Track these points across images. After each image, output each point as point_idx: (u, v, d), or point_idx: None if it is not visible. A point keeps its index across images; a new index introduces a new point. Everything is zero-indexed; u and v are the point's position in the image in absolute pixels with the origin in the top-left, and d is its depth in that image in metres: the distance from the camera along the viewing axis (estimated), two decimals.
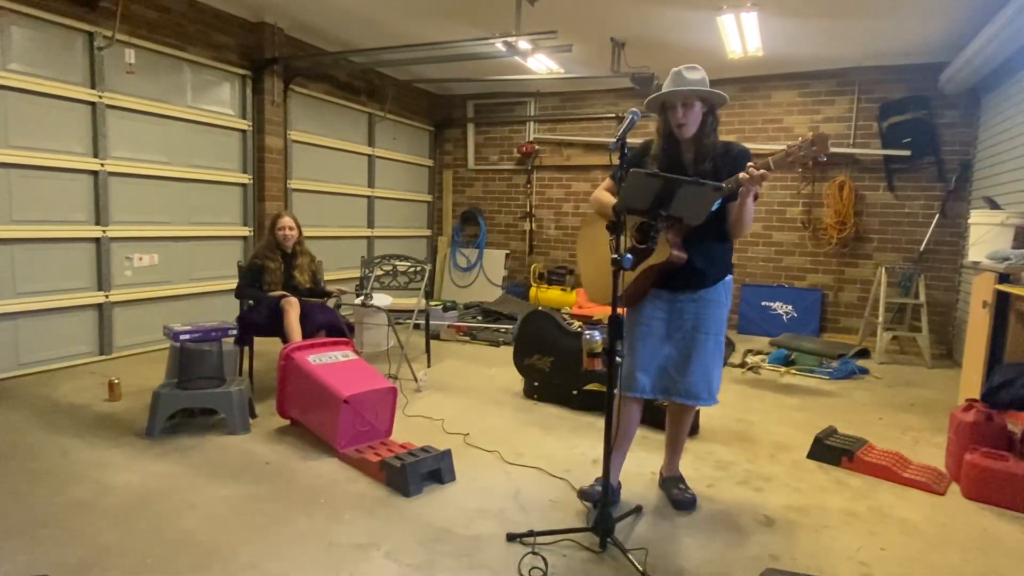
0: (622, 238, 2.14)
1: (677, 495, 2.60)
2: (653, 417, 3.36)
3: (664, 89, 2.38)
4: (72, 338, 4.50)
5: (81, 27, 4.36)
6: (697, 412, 3.47)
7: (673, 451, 2.71)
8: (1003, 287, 3.40)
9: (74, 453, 2.92)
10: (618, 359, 2.22)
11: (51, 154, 4.26)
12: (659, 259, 2.35)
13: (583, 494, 2.61)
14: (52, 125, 4.27)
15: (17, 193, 4.11)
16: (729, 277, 2.53)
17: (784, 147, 2.21)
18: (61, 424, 3.29)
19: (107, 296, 4.67)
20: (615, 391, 2.23)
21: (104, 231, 4.61)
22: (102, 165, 4.55)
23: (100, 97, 4.50)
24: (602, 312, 6.46)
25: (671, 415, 2.68)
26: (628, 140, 2.16)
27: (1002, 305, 3.48)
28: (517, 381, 4.25)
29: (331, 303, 4.19)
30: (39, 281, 4.27)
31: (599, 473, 2.26)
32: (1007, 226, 3.99)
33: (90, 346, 4.63)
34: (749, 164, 2.19)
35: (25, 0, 4.02)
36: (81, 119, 4.44)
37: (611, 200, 2.49)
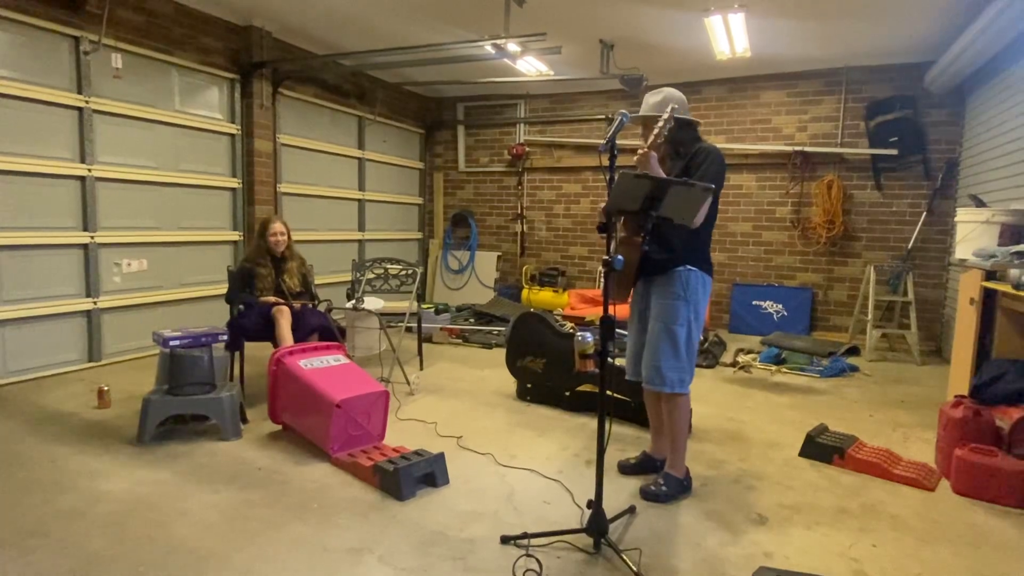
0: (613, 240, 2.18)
1: (645, 485, 2.68)
2: (641, 416, 3.37)
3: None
4: (61, 345, 4.46)
5: (67, 32, 4.33)
6: (690, 412, 3.48)
7: (669, 444, 2.74)
8: (989, 284, 3.44)
9: (63, 461, 2.90)
10: (609, 360, 2.24)
11: (37, 159, 4.23)
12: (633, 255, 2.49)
13: (621, 467, 2.93)
14: (38, 130, 4.24)
15: (3, 199, 4.07)
16: (690, 269, 2.61)
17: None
18: (50, 432, 3.26)
19: (96, 303, 4.63)
20: (607, 392, 2.24)
21: (92, 237, 4.57)
22: (89, 170, 4.52)
23: (87, 102, 4.46)
24: (593, 313, 6.47)
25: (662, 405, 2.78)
26: (618, 141, 2.18)
27: (989, 302, 3.51)
28: (510, 383, 4.25)
29: (322, 306, 4.18)
30: (26, 288, 4.23)
31: (593, 474, 2.26)
32: (993, 223, 4.03)
33: (79, 353, 4.59)
34: (640, 148, 2.42)
35: (10, 5, 3.99)
36: (68, 124, 4.41)
37: None
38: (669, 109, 2.39)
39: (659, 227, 2.47)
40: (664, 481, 2.66)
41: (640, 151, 2.40)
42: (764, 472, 2.98)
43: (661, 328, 2.61)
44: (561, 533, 2.29)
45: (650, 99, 2.67)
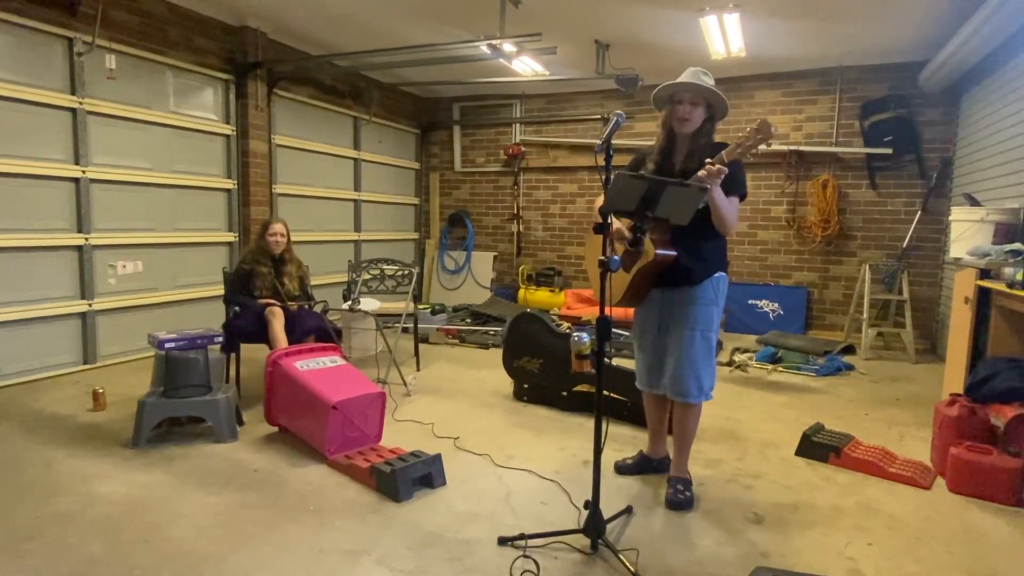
0: (609, 241, 2.18)
1: (671, 495, 2.61)
2: (637, 416, 3.37)
3: (672, 82, 2.47)
4: (55, 347, 4.44)
5: (60, 33, 4.31)
6: None
7: (677, 450, 2.72)
8: (984, 283, 3.45)
9: (58, 464, 2.88)
10: (606, 360, 2.24)
11: (31, 161, 4.21)
12: (646, 260, 2.44)
13: (618, 468, 2.91)
14: (32, 132, 4.21)
15: None
16: (719, 275, 2.59)
17: (734, 141, 2.33)
18: (45, 435, 3.25)
19: (90, 304, 4.61)
20: (604, 392, 2.24)
21: (87, 239, 4.55)
22: (84, 172, 4.50)
23: (81, 103, 4.44)
24: (590, 313, 6.47)
25: (674, 414, 2.73)
26: (613, 141, 2.18)
27: (983, 300, 3.52)
28: (507, 383, 4.25)
29: (318, 308, 4.17)
30: (20, 290, 4.21)
31: (590, 474, 2.26)
32: (987, 222, 4.04)
33: (74, 355, 4.57)
34: (707, 160, 2.28)
35: (2, 6, 3.97)
36: (62, 125, 4.39)
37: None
38: (756, 125, 2.22)
39: (690, 238, 2.43)
40: (683, 487, 2.64)
41: (715, 167, 2.23)
42: (761, 471, 2.99)
43: (698, 336, 2.51)
44: (559, 534, 2.29)
45: (704, 77, 2.44)
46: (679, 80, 2.45)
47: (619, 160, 2.16)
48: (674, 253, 2.47)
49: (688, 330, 2.52)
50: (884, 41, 5.50)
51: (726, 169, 2.27)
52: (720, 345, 5.62)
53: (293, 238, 4.21)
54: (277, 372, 3.22)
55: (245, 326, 3.79)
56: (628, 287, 2.52)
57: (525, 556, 2.15)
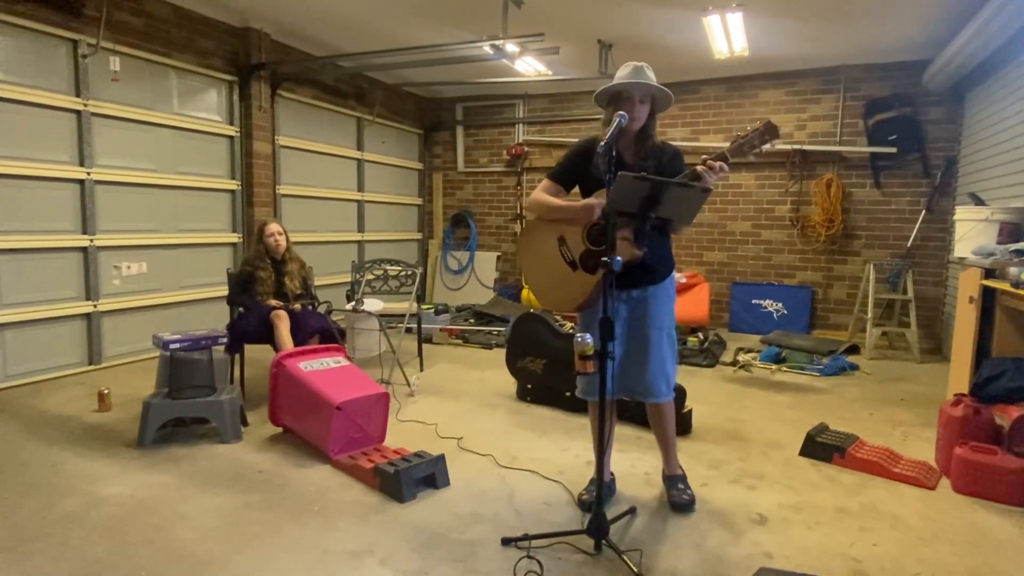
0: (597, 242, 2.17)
1: (675, 496, 2.60)
2: (640, 416, 3.36)
3: (620, 80, 2.40)
4: (60, 349, 4.46)
5: (65, 35, 4.33)
6: (690, 412, 3.49)
7: (665, 450, 2.71)
8: (989, 282, 3.44)
9: (64, 465, 2.90)
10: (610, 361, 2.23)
11: (36, 163, 4.23)
12: (623, 257, 2.30)
13: (582, 504, 2.57)
14: (37, 134, 4.23)
15: (2, 203, 4.07)
16: (674, 273, 2.61)
17: (736, 136, 2.32)
18: (50, 436, 3.26)
19: (95, 305, 4.63)
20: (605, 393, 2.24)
21: (91, 240, 4.57)
22: (88, 174, 4.52)
23: (85, 105, 4.46)
24: None
25: (650, 416, 2.66)
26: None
27: (988, 300, 3.51)
28: (510, 384, 4.25)
29: (322, 308, 4.18)
30: (26, 292, 4.23)
31: (593, 475, 2.26)
32: (992, 222, 4.03)
33: (79, 356, 4.59)
34: (705, 156, 2.25)
35: (8, 9, 3.99)
36: (66, 127, 4.41)
37: (555, 202, 2.50)
38: (762, 124, 2.20)
39: (655, 235, 2.36)
40: (684, 485, 2.64)
41: (716, 162, 2.19)
42: (764, 472, 2.98)
43: (664, 336, 2.51)
44: (562, 534, 2.29)
45: (648, 73, 2.39)
46: (626, 79, 2.39)
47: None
48: (642, 250, 2.36)
49: (656, 331, 2.49)
50: (888, 40, 5.49)
51: (727, 166, 2.26)
52: (723, 344, 5.63)
53: (296, 239, 4.22)
54: (281, 373, 3.23)
55: (249, 327, 3.80)
56: (593, 288, 2.39)
57: (529, 557, 2.15)
